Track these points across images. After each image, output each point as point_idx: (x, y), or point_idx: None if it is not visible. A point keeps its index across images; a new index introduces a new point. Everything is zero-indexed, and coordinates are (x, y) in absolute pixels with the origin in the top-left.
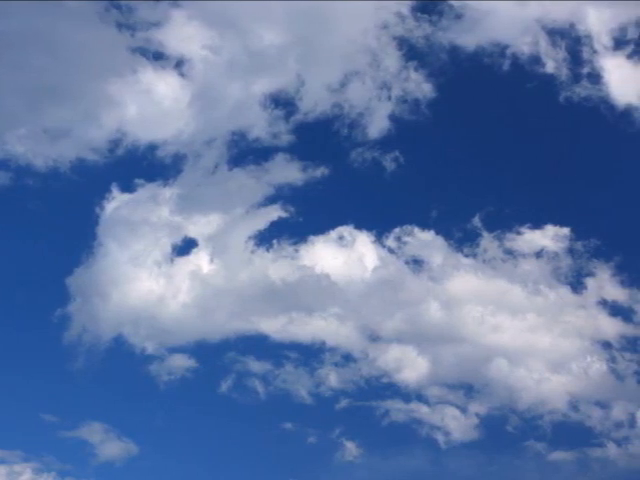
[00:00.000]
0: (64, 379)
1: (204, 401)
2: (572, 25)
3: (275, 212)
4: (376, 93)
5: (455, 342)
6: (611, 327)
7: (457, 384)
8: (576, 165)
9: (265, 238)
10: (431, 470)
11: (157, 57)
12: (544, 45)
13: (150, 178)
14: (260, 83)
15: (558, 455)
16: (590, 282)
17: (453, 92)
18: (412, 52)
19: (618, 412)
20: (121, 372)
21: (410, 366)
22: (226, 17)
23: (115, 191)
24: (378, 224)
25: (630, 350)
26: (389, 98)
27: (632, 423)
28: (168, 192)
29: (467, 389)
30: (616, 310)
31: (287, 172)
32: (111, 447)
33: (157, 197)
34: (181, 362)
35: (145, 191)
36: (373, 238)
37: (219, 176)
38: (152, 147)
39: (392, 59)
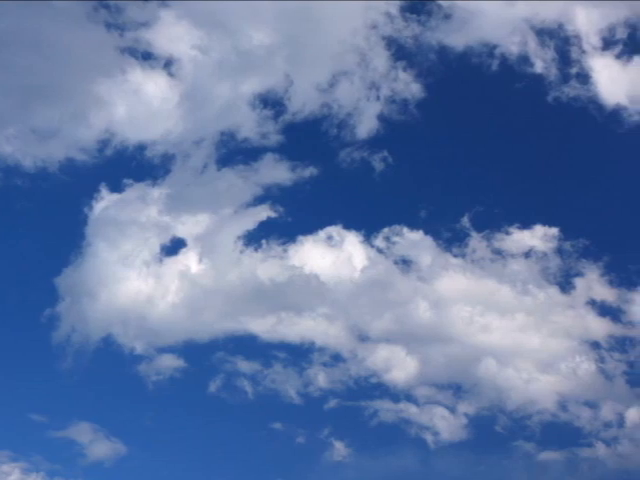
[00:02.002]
0: (53, 379)
1: (193, 401)
2: (561, 25)
3: (264, 212)
4: (365, 93)
5: (444, 342)
6: (600, 327)
7: (446, 384)
8: (565, 165)
9: (254, 238)
10: (420, 470)
11: (146, 57)
12: (533, 45)
13: (139, 178)
14: (249, 83)
15: (547, 455)
16: (579, 282)
17: (442, 92)
18: (401, 52)
19: (607, 412)
20: (110, 372)
21: (399, 366)
22: (215, 17)
23: (104, 191)
24: (367, 224)
25: (619, 350)
26: (378, 98)
27: (621, 423)
28: (157, 192)
29: (456, 389)
30: (605, 310)
31: (276, 172)
32: (100, 447)
33: (146, 197)
34: (170, 362)
35: (134, 191)
36: (362, 238)
37: (208, 176)
38: (141, 147)
39: (381, 59)
